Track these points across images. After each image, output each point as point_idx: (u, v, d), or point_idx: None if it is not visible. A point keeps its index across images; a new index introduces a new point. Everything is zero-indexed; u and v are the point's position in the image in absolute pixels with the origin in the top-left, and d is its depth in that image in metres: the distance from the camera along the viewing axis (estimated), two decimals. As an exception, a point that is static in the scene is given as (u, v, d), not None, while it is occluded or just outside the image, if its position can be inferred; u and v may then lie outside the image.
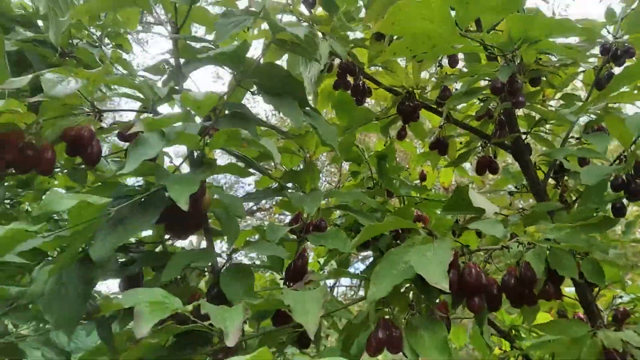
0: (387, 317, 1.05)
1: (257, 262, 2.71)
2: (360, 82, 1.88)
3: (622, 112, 1.50)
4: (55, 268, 0.98)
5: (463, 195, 1.17)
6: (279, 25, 1.24)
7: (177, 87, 1.36)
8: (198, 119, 1.19)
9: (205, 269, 1.25)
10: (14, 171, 1.11)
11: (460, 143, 2.02)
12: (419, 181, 2.53)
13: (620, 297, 1.94)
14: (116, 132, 1.26)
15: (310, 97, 1.58)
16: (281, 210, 1.80)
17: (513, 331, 2.16)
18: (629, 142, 1.42)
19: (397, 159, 2.21)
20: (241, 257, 1.39)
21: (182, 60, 1.43)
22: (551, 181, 1.81)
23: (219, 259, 1.22)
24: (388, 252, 1.06)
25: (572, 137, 1.75)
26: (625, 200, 1.50)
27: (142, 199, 1.12)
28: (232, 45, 1.21)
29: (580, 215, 1.38)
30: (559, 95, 1.83)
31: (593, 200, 1.37)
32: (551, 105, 1.85)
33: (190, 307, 0.84)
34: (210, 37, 1.47)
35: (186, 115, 1.09)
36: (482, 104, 1.78)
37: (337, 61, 1.87)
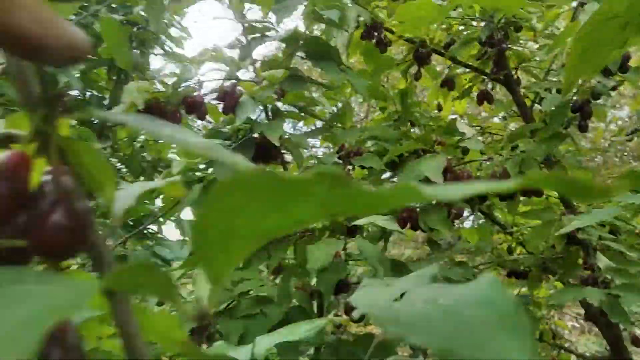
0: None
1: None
2: (382, 36, 2.37)
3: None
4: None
5: (452, 124, 1.71)
6: (318, 11, 1.75)
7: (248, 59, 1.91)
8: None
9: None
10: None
11: (465, 79, 2.50)
12: (436, 111, 3.04)
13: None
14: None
15: (343, 57, 2.09)
16: (325, 143, 2.38)
17: (513, 226, 2.74)
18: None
19: (419, 96, 2.72)
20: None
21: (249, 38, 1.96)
22: (538, 107, 2.30)
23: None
24: (407, 164, 1.63)
25: (552, 69, 2.22)
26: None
27: (240, 142, 1.72)
28: (290, 29, 1.74)
29: (548, 132, 1.90)
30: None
31: (556, 121, 1.87)
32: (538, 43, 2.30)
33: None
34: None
35: (267, 86, 1.65)
36: (481, 47, 2.25)
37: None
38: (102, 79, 2.72)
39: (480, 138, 1.77)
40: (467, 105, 3.18)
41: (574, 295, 1.77)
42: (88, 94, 2.74)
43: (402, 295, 0.32)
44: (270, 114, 1.77)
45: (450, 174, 1.69)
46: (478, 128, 2.46)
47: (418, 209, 1.61)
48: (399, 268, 1.70)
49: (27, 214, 0.26)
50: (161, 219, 2.53)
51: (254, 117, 2.01)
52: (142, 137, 2.84)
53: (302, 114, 1.97)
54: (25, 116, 0.38)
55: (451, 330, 0.25)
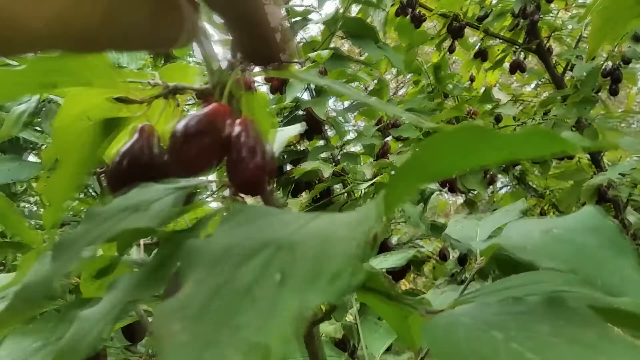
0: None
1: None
2: (417, 12, 2.48)
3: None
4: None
5: (488, 92, 1.83)
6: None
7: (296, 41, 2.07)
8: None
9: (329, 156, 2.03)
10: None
11: (498, 50, 2.59)
12: (469, 83, 3.13)
13: (628, 159, 2.54)
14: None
15: (380, 34, 2.22)
16: (361, 118, 2.53)
17: (546, 191, 2.84)
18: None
19: (451, 69, 2.82)
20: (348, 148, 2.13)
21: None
22: (569, 74, 2.38)
23: (336, 151, 2.00)
24: (444, 132, 1.77)
25: (584, 36, 2.29)
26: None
27: (289, 118, 1.89)
28: (331, 12, 1.89)
29: (579, 97, 1.99)
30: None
31: (587, 85, 1.97)
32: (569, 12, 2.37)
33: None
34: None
35: (312, 66, 1.81)
36: (513, 19, 2.34)
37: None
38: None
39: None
40: (499, 76, 3.26)
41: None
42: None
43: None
44: (314, 92, 1.94)
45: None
46: (511, 96, 2.55)
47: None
48: (436, 229, 1.85)
49: (230, 156, 0.42)
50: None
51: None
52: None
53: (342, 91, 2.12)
54: (183, 68, 0.57)
55: (571, 254, 0.34)
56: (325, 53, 1.79)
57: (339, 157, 2.00)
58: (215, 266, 0.25)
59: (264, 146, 0.41)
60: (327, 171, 1.51)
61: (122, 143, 0.47)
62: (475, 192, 1.93)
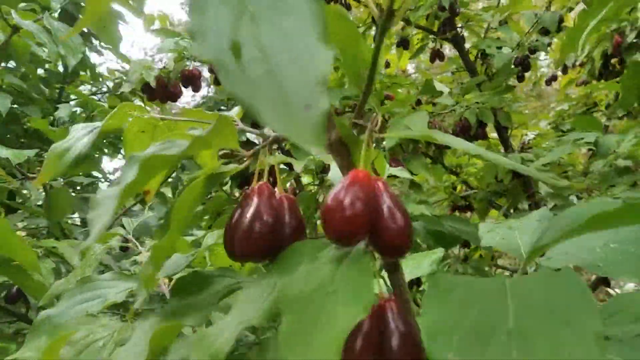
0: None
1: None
2: (344, 2, 2.54)
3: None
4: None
5: (430, 84, 1.98)
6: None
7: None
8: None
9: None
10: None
11: (417, 39, 2.76)
12: (384, 68, 3.30)
13: (527, 135, 2.89)
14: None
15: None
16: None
17: (458, 168, 3.13)
18: (522, 33, 2.22)
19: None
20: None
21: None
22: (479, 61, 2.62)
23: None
24: (395, 118, 1.87)
25: (492, 28, 2.52)
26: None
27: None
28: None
29: (495, 84, 2.22)
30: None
31: (503, 74, 2.20)
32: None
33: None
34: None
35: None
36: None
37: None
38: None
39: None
40: (420, 61, 3.47)
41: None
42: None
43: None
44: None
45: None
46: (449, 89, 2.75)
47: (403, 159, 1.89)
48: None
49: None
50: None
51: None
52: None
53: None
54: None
55: (634, 266, 0.46)
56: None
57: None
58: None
59: (404, 206, 0.44)
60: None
61: (244, 204, 0.48)
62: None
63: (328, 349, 0.32)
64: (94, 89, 2.98)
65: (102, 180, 3.07)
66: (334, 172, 0.61)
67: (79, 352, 0.54)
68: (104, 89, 3.00)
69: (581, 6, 2.25)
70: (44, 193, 2.07)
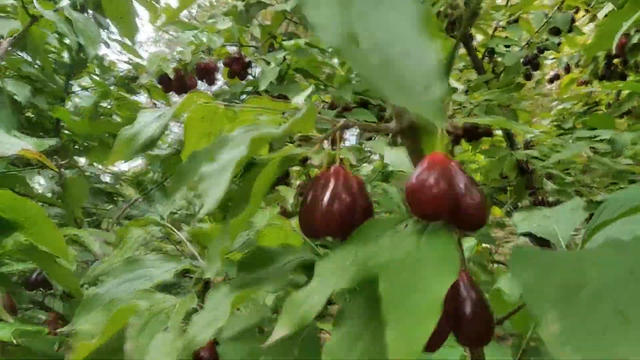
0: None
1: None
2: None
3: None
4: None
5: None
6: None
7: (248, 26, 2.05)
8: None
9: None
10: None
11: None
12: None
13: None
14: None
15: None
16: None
17: (461, 164, 3.18)
18: (533, 32, 2.26)
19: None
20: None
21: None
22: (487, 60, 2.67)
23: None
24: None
25: (500, 27, 2.57)
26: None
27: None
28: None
29: (504, 82, 2.27)
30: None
31: (512, 72, 2.24)
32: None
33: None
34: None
35: (278, 53, 1.83)
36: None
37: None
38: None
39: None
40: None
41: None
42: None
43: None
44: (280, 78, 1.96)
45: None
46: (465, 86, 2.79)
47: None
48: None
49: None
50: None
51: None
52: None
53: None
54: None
55: None
56: (290, 43, 1.82)
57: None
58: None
59: (478, 184, 0.48)
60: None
61: (319, 186, 0.52)
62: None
63: (430, 312, 0.36)
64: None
65: (103, 172, 3.08)
66: (392, 157, 0.65)
67: (146, 322, 0.57)
68: (111, 81, 3.02)
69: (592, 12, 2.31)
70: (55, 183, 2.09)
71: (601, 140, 1.89)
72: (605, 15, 2.37)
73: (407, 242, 0.43)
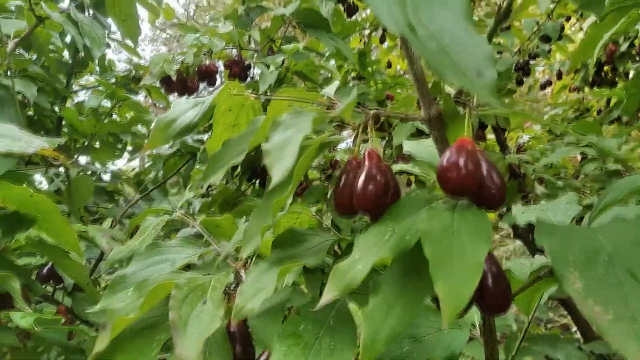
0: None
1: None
2: (351, 2, 2.63)
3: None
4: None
5: (439, 85, 2.08)
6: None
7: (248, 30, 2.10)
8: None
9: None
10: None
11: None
12: (385, 69, 3.41)
13: (522, 137, 3.03)
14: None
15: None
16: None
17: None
18: (524, 39, 2.35)
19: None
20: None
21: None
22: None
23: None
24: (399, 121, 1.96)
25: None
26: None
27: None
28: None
29: (497, 88, 2.34)
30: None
31: (503, 78, 2.32)
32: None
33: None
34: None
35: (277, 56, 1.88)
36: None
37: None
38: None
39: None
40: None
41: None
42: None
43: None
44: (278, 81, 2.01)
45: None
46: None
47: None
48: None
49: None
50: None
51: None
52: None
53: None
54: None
55: None
56: (289, 47, 1.87)
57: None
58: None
59: (499, 169, 0.53)
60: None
61: (353, 168, 0.57)
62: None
63: (473, 272, 0.41)
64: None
65: (102, 171, 3.09)
66: (413, 147, 0.70)
67: (186, 295, 0.60)
68: (112, 81, 3.04)
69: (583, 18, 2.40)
70: (60, 181, 2.11)
71: (588, 145, 1.96)
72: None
73: (443, 216, 0.48)
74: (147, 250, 0.87)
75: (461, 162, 0.49)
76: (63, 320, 1.06)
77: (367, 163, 0.55)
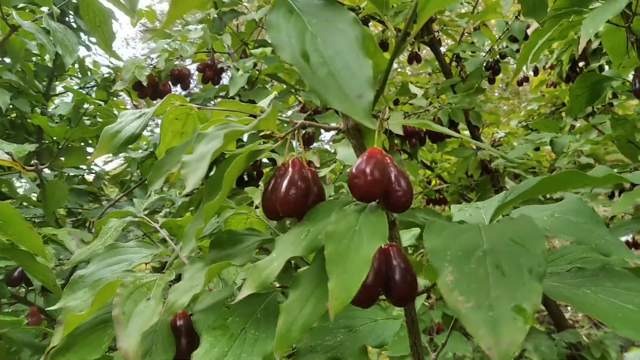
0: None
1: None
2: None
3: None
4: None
5: (405, 86, 2.13)
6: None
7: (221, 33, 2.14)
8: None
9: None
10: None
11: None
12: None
13: (497, 133, 3.10)
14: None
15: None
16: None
17: (432, 163, 3.31)
18: (494, 39, 2.40)
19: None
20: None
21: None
22: (454, 64, 2.81)
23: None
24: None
25: (467, 33, 2.71)
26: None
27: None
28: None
29: (468, 87, 2.40)
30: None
31: (474, 77, 2.38)
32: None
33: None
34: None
35: (247, 60, 1.92)
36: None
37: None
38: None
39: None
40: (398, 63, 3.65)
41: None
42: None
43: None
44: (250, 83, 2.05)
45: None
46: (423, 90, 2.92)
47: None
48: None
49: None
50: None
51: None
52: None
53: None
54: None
55: (573, 229, 0.60)
56: (258, 51, 1.92)
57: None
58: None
59: (407, 175, 0.59)
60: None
61: (280, 175, 0.62)
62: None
63: (361, 267, 0.46)
64: (81, 83, 3.04)
65: (87, 172, 3.12)
66: (343, 154, 0.75)
67: (131, 293, 0.65)
68: (92, 83, 3.06)
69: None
70: (36, 185, 2.14)
71: (543, 143, 2.04)
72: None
73: (349, 218, 0.53)
74: (105, 251, 0.92)
75: (368, 169, 0.54)
76: (26, 322, 1.10)
77: (290, 170, 0.60)
